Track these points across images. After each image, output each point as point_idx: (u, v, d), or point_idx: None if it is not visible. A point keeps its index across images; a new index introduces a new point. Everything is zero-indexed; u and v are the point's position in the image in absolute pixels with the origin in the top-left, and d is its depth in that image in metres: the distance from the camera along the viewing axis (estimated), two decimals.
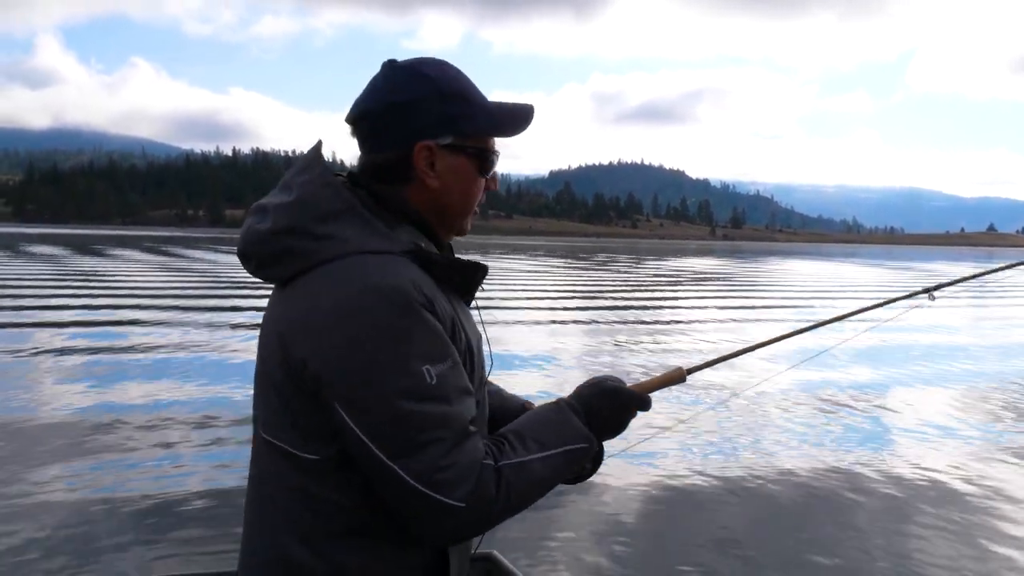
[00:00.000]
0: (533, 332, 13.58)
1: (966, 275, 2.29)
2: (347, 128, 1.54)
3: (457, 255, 1.55)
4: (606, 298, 22.58)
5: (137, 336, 11.81)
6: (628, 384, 1.60)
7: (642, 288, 27.19)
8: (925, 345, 12.44)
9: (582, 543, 4.49)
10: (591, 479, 1.51)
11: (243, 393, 7.77)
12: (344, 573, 1.41)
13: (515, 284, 26.18)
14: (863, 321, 2.13)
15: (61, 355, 10.18)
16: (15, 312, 14.75)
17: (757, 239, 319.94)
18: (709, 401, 7.71)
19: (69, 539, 4.29)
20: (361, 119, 1.51)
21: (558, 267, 41.73)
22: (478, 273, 1.53)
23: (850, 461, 6.03)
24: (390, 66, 1.52)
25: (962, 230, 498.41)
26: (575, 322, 15.80)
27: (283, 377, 1.39)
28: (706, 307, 19.85)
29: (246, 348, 10.86)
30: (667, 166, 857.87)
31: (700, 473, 5.63)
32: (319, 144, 1.54)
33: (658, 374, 1.72)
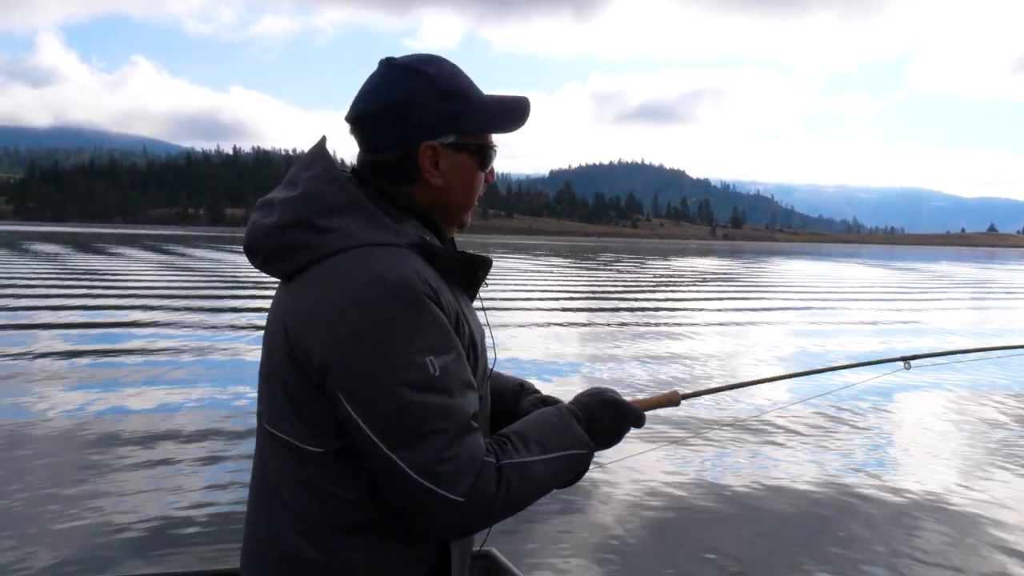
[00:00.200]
0: (532, 334, 13.55)
1: (943, 351, 2.27)
2: (345, 127, 1.54)
3: (461, 250, 1.56)
4: (610, 299, 22.53)
5: (137, 339, 11.73)
6: (625, 398, 1.63)
7: (648, 289, 27.15)
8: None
9: (580, 547, 4.49)
10: (584, 485, 1.52)
11: (247, 398, 7.69)
12: (348, 568, 1.41)
13: (519, 284, 26.09)
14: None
15: (60, 358, 10.10)
16: (13, 313, 14.64)
17: (757, 239, 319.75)
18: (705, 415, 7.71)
19: (60, 562, 4.06)
20: (361, 119, 1.51)
21: (561, 267, 41.67)
22: (482, 267, 1.54)
23: (849, 477, 5.97)
24: (388, 64, 1.52)
25: (962, 230, 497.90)
26: (576, 324, 15.79)
27: (289, 369, 1.40)
28: (710, 310, 19.81)
29: (248, 350, 10.86)
30: (667, 166, 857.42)
31: (699, 485, 5.63)
32: (323, 140, 1.55)
33: (654, 394, 1.77)
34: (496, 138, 1.57)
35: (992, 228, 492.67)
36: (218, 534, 4.39)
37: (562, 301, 20.60)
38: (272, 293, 1.55)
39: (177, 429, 6.58)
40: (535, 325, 14.50)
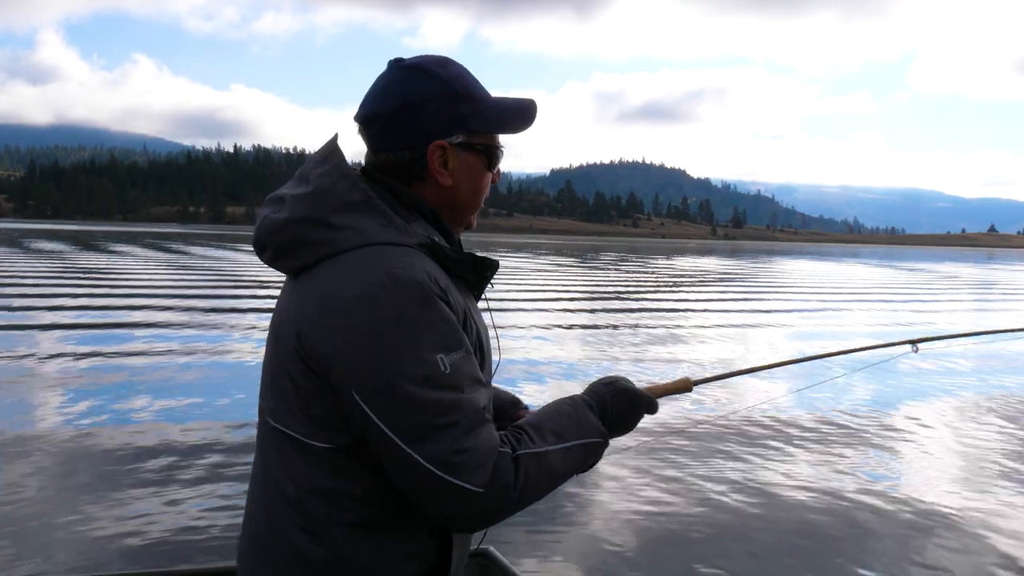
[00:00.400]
0: (538, 334, 13.55)
1: (950, 333, 2.28)
2: (349, 124, 1.55)
3: (468, 250, 1.57)
4: (618, 298, 22.50)
5: (139, 341, 11.70)
6: (637, 385, 1.64)
7: (656, 288, 27.15)
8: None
9: (578, 546, 4.51)
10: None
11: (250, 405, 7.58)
12: (349, 563, 1.42)
13: (525, 284, 26.05)
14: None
15: (61, 360, 10.07)
16: (13, 313, 14.62)
17: (758, 239, 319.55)
18: (710, 413, 7.71)
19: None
20: (371, 119, 1.52)
21: (565, 266, 41.63)
22: (489, 268, 1.57)
23: (852, 481, 5.97)
24: (397, 66, 1.53)
25: (963, 231, 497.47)
26: (578, 326, 15.78)
27: (297, 365, 1.41)
28: (715, 310, 19.78)
29: (249, 351, 10.86)
30: (668, 165, 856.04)
31: (698, 488, 5.62)
32: (335, 137, 1.56)
33: (666, 381, 1.79)
34: (501, 139, 1.59)
35: (992, 229, 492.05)
36: (221, 550, 4.24)
37: (566, 301, 20.56)
38: (276, 293, 1.54)
39: (180, 438, 6.54)
40: (538, 326, 14.49)
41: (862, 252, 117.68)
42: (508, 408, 1.75)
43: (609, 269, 39.77)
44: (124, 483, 5.28)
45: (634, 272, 36.96)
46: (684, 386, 1.79)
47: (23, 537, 4.31)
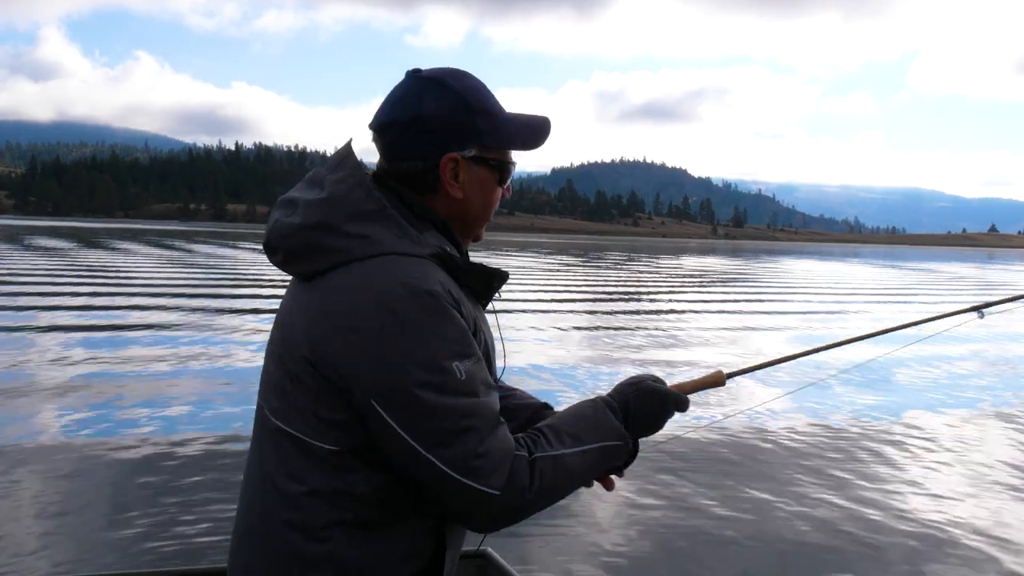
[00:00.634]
0: (544, 336, 13.51)
1: (1017, 295, 2.21)
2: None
3: (478, 261, 1.60)
4: (627, 299, 22.43)
5: (140, 348, 11.64)
6: (668, 383, 1.63)
7: (667, 289, 27.07)
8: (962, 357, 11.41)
9: (576, 548, 4.51)
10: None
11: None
12: (343, 563, 1.43)
13: (532, 284, 26.04)
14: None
15: (59, 361, 10.02)
16: (11, 313, 14.54)
17: (758, 238, 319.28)
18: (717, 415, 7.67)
19: None
20: (386, 128, 1.53)
21: (570, 266, 41.61)
22: (498, 279, 1.59)
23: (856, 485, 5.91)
24: (415, 77, 1.55)
25: (964, 231, 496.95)
26: (580, 328, 15.74)
27: (306, 368, 1.42)
28: (715, 312, 19.66)
29: (254, 357, 10.84)
30: (669, 164, 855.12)
31: (703, 489, 5.62)
32: (350, 142, 1.58)
33: (698, 375, 1.75)
34: (512, 154, 1.61)
35: (993, 228, 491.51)
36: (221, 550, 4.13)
37: (580, 302, 20.51)
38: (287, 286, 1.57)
39: (180, 438, 6.53)
40: (543, 328, 14.44)
41: (863, 252, 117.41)
42: (539, 410, 1.75)
43: (620, 269, 39.75)
44: (124, 483, 5.27)
45: (650, 271, 36.91)
46: (716, 380, 1.73)
47: (24, 537, 4.30)
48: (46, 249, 37.94)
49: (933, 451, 6.59)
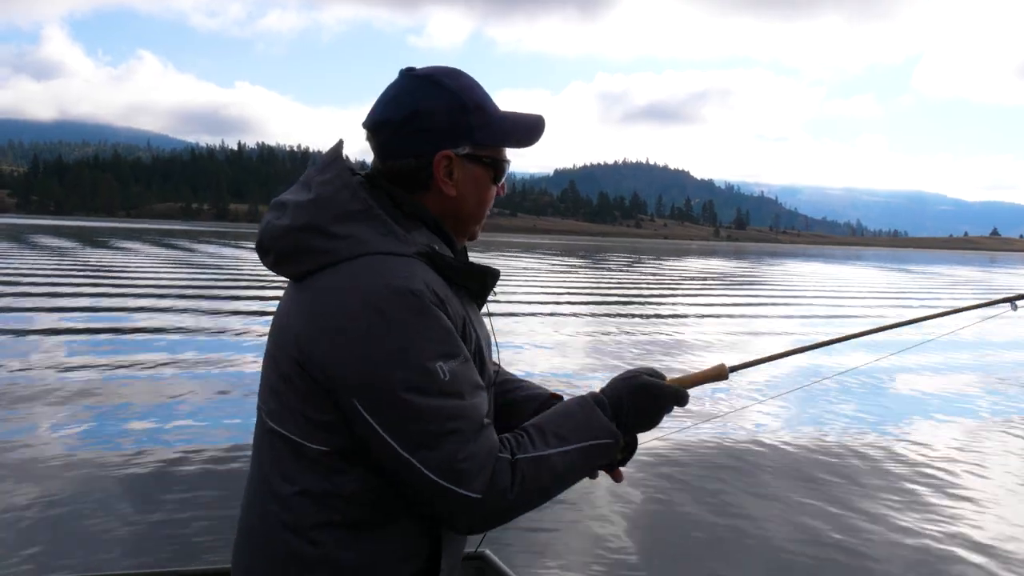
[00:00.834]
0: (545, 339, 13.51)
1: None
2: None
3: (470, 259, 1.60)
4: (632, 302, 22.37)
5: (140, 348, 11.62)
6: (669, 378, 1.60)
7: (675, 291, 27.06)
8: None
9: (574, 549, 4.51)
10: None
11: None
12: (339, 565, 1.43)
13: (535, 286, 25.98)
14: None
15: (58, 361, 10.01)
16: (13, 313, 14.51)
17: (761, 240, 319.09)
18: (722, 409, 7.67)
19: None
20: (379, 127, 1.53)
21: (573, 268, 41.57)
22: (489, 278, 1.58)
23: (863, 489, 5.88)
24: (408, 75, 1.55)
25: (966, 234, 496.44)
26: (580, 330, 15.72)
27: (295, 369, 1.42)
28: (738, 316, 19.63)
29: (253, 359, 10.83)
30: (672, 166, 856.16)
31: (700, 493, 5.62)
32: (339, 144, 1.58)
33: (700, 369, 1.70)
34: (508, 149, 1.60)
35: (995, 232, 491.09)
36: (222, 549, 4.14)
37: (586, 304, 20.50)
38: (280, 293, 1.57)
39: (180, 438, 6.51)
40: (543, 330, 14.42)
41: (865, 255, 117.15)
42: (547, 401, 1.71)
43: (625, 270, 39.71)
44: (124, 483, 5.27)
45: (652, 273, 36.84)
46: (719, 373, 1.67)
47: (24, 537, 4.31)
48: (49, 248, 37.93)
49: (930, 458, 6.55)
